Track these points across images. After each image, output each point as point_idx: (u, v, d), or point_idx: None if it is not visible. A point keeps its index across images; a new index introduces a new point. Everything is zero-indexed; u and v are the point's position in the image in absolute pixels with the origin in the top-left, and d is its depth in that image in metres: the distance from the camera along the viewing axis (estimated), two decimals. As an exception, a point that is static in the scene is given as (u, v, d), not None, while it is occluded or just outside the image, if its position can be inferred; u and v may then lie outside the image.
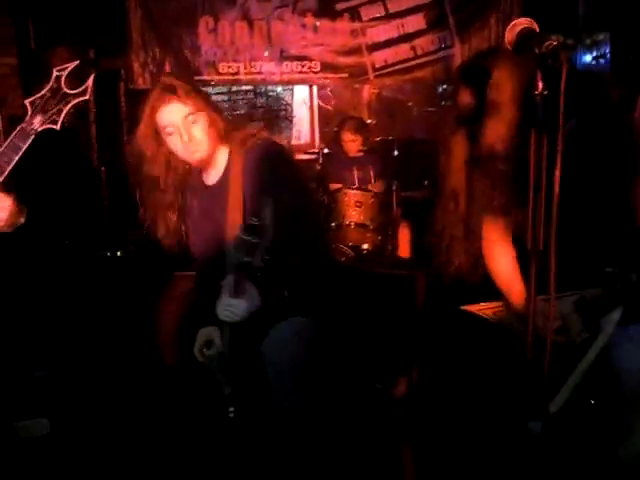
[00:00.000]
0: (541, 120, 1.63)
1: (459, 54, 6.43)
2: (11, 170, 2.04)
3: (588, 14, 5.75)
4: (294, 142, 7.18)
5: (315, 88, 7.00)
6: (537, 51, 1.60)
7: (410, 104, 7.01)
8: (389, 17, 6.39)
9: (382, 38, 6.42)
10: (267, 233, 2.03)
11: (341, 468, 2.76)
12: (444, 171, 2.43)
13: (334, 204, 5.30)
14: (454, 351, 2.74)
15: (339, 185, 5.47)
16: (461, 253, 2.44)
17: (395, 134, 6.09)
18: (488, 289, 2.46)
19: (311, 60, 6.35)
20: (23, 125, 2.00)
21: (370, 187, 5.47)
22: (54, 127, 2.01)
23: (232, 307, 2.24)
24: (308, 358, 2.43)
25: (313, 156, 6.07)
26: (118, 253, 4.96)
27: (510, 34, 1.74)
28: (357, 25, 6.35)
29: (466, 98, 2.24)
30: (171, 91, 2.35)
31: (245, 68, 6.31)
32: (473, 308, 2.48)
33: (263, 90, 7.15)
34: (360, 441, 3.04)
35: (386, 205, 5.53)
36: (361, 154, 5.73)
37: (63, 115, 2.01)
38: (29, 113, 2.00)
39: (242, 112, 7.18)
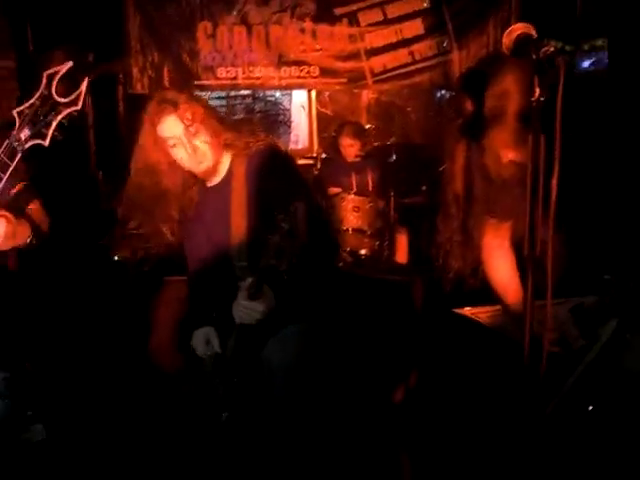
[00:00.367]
0: (539, 126, 1.62)
1: (457, 59, 6.43)
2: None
3: (586, 19, 5.76)
4: (292, 147, 7.18)
5: (313, 93, 6.99)
6: (534, 57, 1.59)
7: (408, 109, 7.02)
8: (387, 22, 6.39)
9: (381, 43, 6.42)
10: (297, 237, 2.02)
11: (337, 473, 2.75)
12: (448, 178, 2.42)
13: (332, 209, 5.30)
14: (448, 354, 2.74)
15: (337, 190, 5.47)
16: (461, 259, 2.44)
17: (393, 139, 6.09)
18: (485, 293, 2.46)
19: (310, 65, 6.34)
20: (10, 140, 1.82)
21: (367, 192, 5.47)
22: (42, 143, 1.80)
23: (249, 309, 2.23)
24: (307, 363, 2.42)
25: (311, 161, 6.07)
26: (115, 258, 4.95)
27: (507, 39, 1.74)
28: (356, 30, 6.36)
29: (468, 106, 2.24)
30: (171, 104, 2.34)
31: (243, 73, 6.30)
32: (467, 312, 2.48)
33: (261, 95, 7.16)
34: (358, 446, 3.03)
35: (384, 210, 5.53)
36: (359, 159, 5.73)
37: (52, 128, 1.79)
38: (17, 125, 1.81)
39: (240, 117, 7.18)
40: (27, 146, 1.81)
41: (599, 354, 1.94)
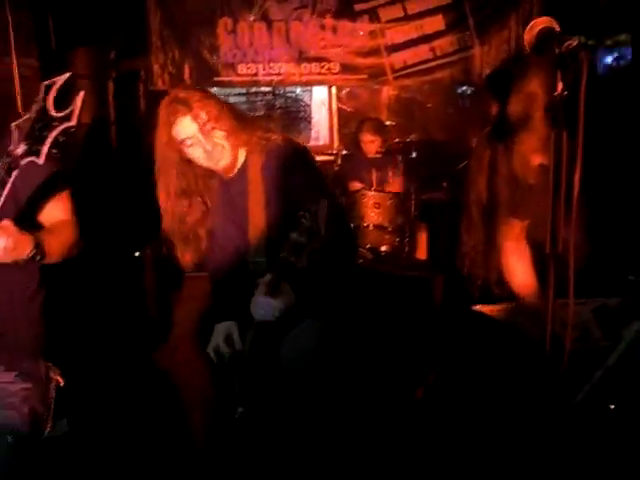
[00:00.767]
0: (561, 121, 1.61)
1: (479, 55, 6.38)
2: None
3: (609, 14, 5.70)
4: (312, 143, 7.17)
5: (334, 89, 6.98)
6: (557, 51, 1.58)
7: (429, 105, 6.98)
8: (408, 18, 6.35)
9: (401, 39, 6.37)
10: (318, 234, 2.01)
11: (353, 470, 2.75)
12: (472, 184, 2.40)
13: (352, 206, 5.29)
14: (467, 352, 2.72)
15: (358, 186, 5.46)
16: (486, 267, 2.42)
17: (414, 136, 6.07)
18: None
19: (330, 61, 6.32)
20: (6, 155, 1.71)
21: (388, 188, 5.46)
22: (37, 160, 1.68)
23: (268, 306, 2.22)
24: (324, 358, 2.42)
25: (331, 157, 6.06)
26: (136, 254, 4.98)
27: (529, 34, 1.72)
28: (376, 26, 6.32)
29: (494, 109, 2.22)
30: (183, 104, 2.33)
31: (264, 69, 6.30)
32: (485, 309, 2.46)
33: (282, 91, 7.15)
34: (377, 443, 3.03)
35: (404, 207, 5.52)
36: (380, 155, 5.72)
37: (47, 144, 1.66)
38: (14, 140, 1.69)
39: (261, 113, 7.18)
40: (22, 163, 1.70)
41: (622, 355, 1.92)
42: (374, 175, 5.55)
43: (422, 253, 5.61)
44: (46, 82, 1.69)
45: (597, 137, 1.96)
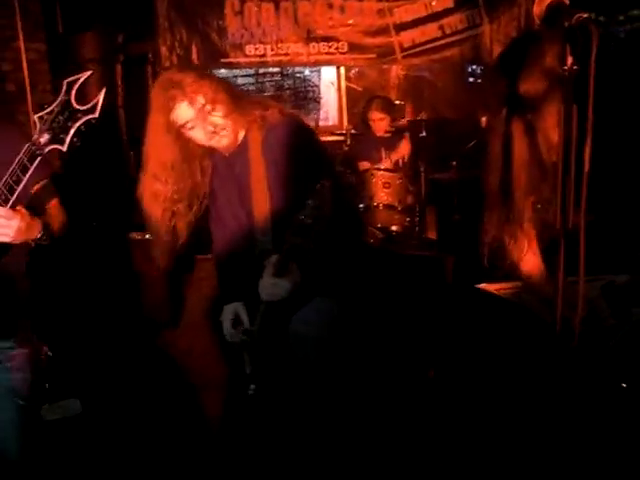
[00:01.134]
0: (571, 96, 1.59)
1: (488, 33, 6.34)
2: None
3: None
4: (322, 123, 7.15)
5: (342, 69, 6.94)
6: (566, 24, 1.55)
7: (439, 84, 6.94)
8: (417, -4, 6.31)
9: (410, 18, 6.34)
10: (323, 215, 2.01)
11: (364, 450, 2.76)
12: (491, 168, 2.37)
13: (362, 185, 5.28)
14: (472, 331, 2.72)
15: (367, 166, 5.44)
16: (509, 256, 2.39)
17: (423, 114, 6.03)
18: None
19: (338, 41, 6.29)
20: (31, 143, 1.87)
21: (398, 168, 5.44)
22: (61, 148, 1.85)
23: (276, 287, 2.23)
24: (333, 337, 2.42)
25: (341, 137, 6.04)
26: (147, 236, 4.98)
27: (538, 7, 1.70)
28: (384, 5, 6.28)
29: (507, 89, 2.19)
30: (178, 88, 2.29)
31: (272, 50, 6.27)
32: (491, 287, 2.45)
33: (290, 72, 7.12)
34: (387, 422, 3.04)
35: (414, 186, 5.50)
36: (389, 135, 5.69)
37: (71, 134, 1.84)
38: (37, 130, 1.86)
39: (269, 94, 7.16)
40: (46, 151, 1.87)
41: (631, 333, 1.91)
42: (383, 155, 5.53)
43: (432, 232, 5.60)
44: (68, 79, 1.84)
45: (608, 112, 1.94)
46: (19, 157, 1.86)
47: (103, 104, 1.84)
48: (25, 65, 5.50)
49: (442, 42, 6.38)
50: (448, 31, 6.37)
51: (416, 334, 3.84)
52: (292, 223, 2.03)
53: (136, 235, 4.11)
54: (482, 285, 2.44)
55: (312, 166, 2.31)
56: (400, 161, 5.60)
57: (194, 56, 6.26)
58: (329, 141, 6.34)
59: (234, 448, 2.59)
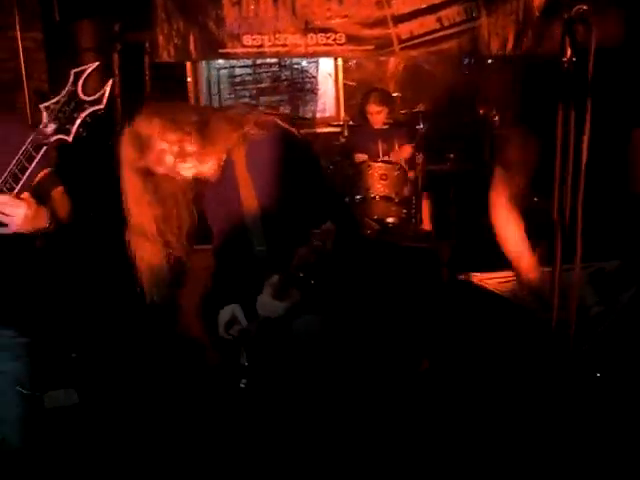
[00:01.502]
0: (570, 87, 1.60)
1: (486, 25, 6.32)
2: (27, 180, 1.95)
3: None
4: (319, 115, 7.14)
5: (340, 60, 6.93)
6: (566, 15, 1.56)
7: (436, 76, 6.93)
8: (415, -12, 6.29)
9: (408, 9, 6.30)
10: (326, 255, 2.00)
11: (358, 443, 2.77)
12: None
13: (359, 177, 5.28)
14: (465, 325, 2.73)
15: (364, 158, 5.44)
16: None
17: (421, 107, 6.03)
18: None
19: (336, 32, 6.27)
20: (37, 133, 1.87)
21: (394, 160, 5.45)
22: (66, 139, 1.86)
23: (274, 306, 2.23)
24: (329, 330, 2.43)
25: (338, 129, 6.04)
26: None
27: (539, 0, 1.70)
28: (383, -4, 6.27)
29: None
30: (146, 142, 2.23)
31: (269, 41, 6.26)
32: (485, 277, 2.46)
33: (288, 63, 7.11)
34: (381, 415, 3.05)
35: (411, 178, 5.51)
36: (386, 127, 5.69)
37: (77, 125, 1.84)
38: (43, 120, 1.86)
39: (266, 85, 7.15)
40: (52, 140, 1.87)
41: (617, 320, 1.93)
42: (380, 146, 5.53)
43: (428, 224, 5.61)
44: (76, 69, 1.85)
45: (606, 105, 1.94)
46: (24, 146, 1.87)
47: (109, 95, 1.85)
48: (21, 54, 5.47)
49: (440, 34, 6.36)
50: (446, 23, 6.35)
51: (411, 325, 3.85)
52: (295, 255, 2.02)
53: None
54: (476, 275, 2.46)
55: (303, 176, 2.30)
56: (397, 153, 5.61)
57: (191, 46, 6.25)
58: (326, 132, 6.34)
59: (226, 442, 2.60)
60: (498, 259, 2.43)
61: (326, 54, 6.64)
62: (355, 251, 2.46)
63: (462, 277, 2.56)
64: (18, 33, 5.42)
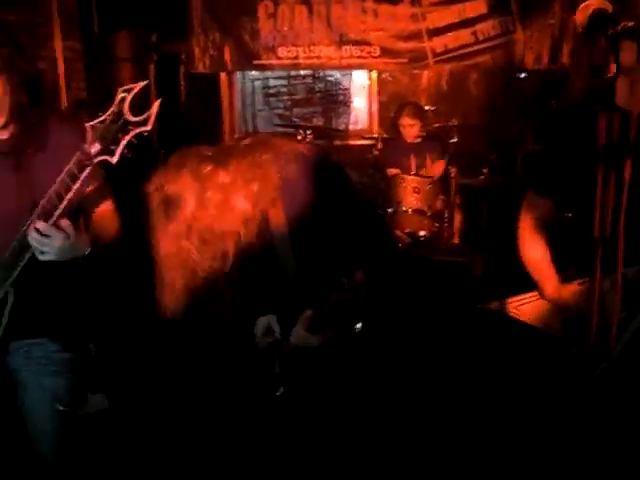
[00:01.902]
0: (613, 103, 1.59)
1: (522, 40, 6.31)
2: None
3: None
4: (352, 127, 7.16)
5: (374, 73, 6.95)
6: (610, 32, 1.55)
7: (470, 90, 6.92)
8: (450, 2, 6.29)
9: (443, 23, 6.33)
10: (359, 307, 2.00)
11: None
12: None
13: (391, 190, 5.28)
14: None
15: (397, 171, 5.44)
16: None
17: (454, 120, 6.02)
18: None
19: (370, 45, 6.31)
20: (81, 153, 1.79)
21: (428, 173, 5.44)
22: (110, 160, 1.76)
23: (307, 339, 2.23)
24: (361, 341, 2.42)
25: (371, 142, 6.04)
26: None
27: (581, 15, 1.70)
28: (417, 10, 6.27)
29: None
30: (178, 204, 2.05)
31: (304, 53, 6.31)
32: (511, 305, 2.44)
33: (322, 75, 7.14)
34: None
35: (443, 192, 5.50)
36: (419, 140, 5.69)
37: (122, 146, 1.74)
38: (88, 139, 1.77)
39: (300, 97, 7.19)
40: (95, 161, 1.78)
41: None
42: (413, 160, 5.52)
43: (461, 238, 5.59)
44: (123, 88, 1.75)
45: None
46: (69, 166, 1.81)
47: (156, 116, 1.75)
48: (61, 64, 5.57)
49: (474, 48, 6.36)
50: (481, 37, 6.35)
51: (442, 338, 3.83)
52: (328, 300, 2.01)
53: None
54: (509, 301, 2.45)
55: (334, 202, 2.23)
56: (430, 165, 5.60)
57: (226, 57, 6.32)
58: (358, 145, 6.35)
59: (257, 451, 2.60)
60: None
61: (360, 67, 6.68)
62: (391, 268, 2.42)
63: (495, 304, 2.55)
64: (58, 43, 5.51)
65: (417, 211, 5.21)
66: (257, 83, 7.19)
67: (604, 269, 1.80)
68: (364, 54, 6.33)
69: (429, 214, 5.24)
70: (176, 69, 6.45)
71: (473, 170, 5.83)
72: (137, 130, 1.73)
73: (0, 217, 2.06)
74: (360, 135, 6.53)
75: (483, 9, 6.31)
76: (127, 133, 1.73)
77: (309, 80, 7.16)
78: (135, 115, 1.73)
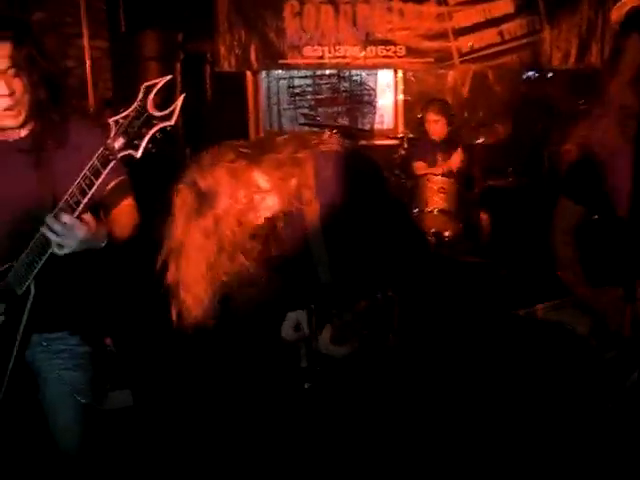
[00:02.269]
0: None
1: (548, 39, 6.26)
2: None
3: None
4: (377, 127, 7.14)
5: (400, 73, 6.93)
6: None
7: (496, 90, 6.88)
8: (476, 1, 6.26)
9: (469, 22, 6.30)
10: (391, 327, 1.99)
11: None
12: None
13: (417, 190, 5.26)
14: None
15: (423, 171, 5.42)
16: None
17: (480, 121, 5.99)
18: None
19: (396, 44, 6.29)
20: (104, 148, 1.79)
21: (453, 173, 5.41)
22: (134, 154, 1.76)
23: (334, 349, 2.22)
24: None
25: (397, 141, 6.02)
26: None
27: (617, 13, 1.69)
28: (444, 9, 6.25)
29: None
30: (210, 199, 2.03)
31: (330, 52, 6.30)
32: (540, 312, 2.43)
33: (347, 74, 7.14)
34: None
35: (469, 192, 5.47)
36: (445, 140, 5.66)
37: (145, 140, 1.74)
38: (111, 134, 1.77)
39: (325, 96, 7.19)
40: (119, 156, 1.79)
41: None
42: (439, 160, 5.50)
43: (486, 239, 5.56)
44: (147, 83, 1.74)
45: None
46: (92, 161, 1.82)
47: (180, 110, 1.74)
48: (88, 62, 5.61)
49: (501, 48, 6.33)
50: (507, 37, 6.32)
51: (467, 337, 3.82)
52: (356, 310, 2.00)
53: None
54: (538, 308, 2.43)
55: (371, 200, 2.17)
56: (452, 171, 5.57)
57: (252, 56, 6.33)
58: (384, 145, 6.33)
59: (288, 446, 2.60)
60: (555, 275, 2.40)
61: (386, 66, 6.67)
62: (426, 269, 2.38)
63: (524, 312, 2.54)
64: (86, 41, 5.55)
65: (442, 211, 5.19)
66: (282, 82, 7.20)
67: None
68: (390, 54, 6.31)
69: (454, 214, 5.22)
70: (202, 68, 6.46)
71: (498, 171, 5.80)
72: (161, 125, 1.73)
73: (21, 213, 2.09)
74: (385, 135, 6.51)
75: (510, 8, 6.27)
76: (151, 128, 1.74)
77: (334, 79, 7.16)
78: (158, 110, 1.73)
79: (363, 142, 6.31)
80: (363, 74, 7.13)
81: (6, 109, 2.00)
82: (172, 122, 1.74)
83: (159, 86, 1.74)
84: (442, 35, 6.29)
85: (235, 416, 3.23)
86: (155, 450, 3.15)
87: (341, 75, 7.15)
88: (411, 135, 5.90)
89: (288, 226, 2.23)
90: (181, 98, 1.75)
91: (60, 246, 1.93)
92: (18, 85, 1.98)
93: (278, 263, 2.29)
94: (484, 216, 5.65)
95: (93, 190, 1.85)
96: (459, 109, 6.37)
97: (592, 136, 2.07)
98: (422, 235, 3.86)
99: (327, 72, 7.07)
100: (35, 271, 2.01)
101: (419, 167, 5.50)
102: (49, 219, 1.90)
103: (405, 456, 2.61)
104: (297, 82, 7.17)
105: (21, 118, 2.04)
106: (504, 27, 6.30)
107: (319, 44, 6.29)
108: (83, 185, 1.85)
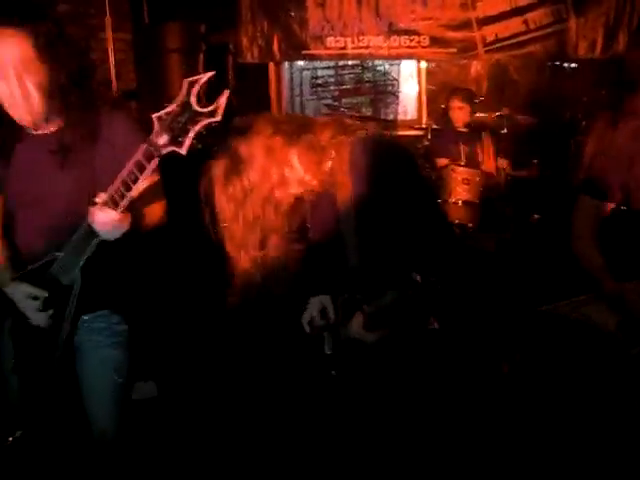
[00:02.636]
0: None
1: (574, 28, 6.16)
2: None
3: None
4: (400, 117, 7.10)
5: (423, 63, 6.88)
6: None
7: (521, 80, 6.80)
8: (501, -11, 6.19)
9: (493, 12, 6.22)
10: (416, 304, 1.98)
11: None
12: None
13: (441, 181, 5.22)
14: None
15: (447, 162, 5.38)
16: None
17: (505, 110, 5.92)
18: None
19: (420, 34, 6.23)
20: (148, 143, 1.77)
21: (477, 164, 5.37)
22: (179, 151, 1.73)
23: (364, 336, 2.20)
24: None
25: (420, 132, 5.98)
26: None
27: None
28: (468, -2, 6.19)
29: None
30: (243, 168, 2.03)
31: (353, 42, 6.26)
32: (563, 309, 2.40)
33: (370, 65, 7.09)
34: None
35: (493, 183, 5.42)
36: (469, 130, 5.61)
37: (190, 137, 1.71)
38: (155, 130, 1.75)
39: (348, 87, 7.16)
40: (164, 152, 1.77)
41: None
42: (463, 150, 5.46)
43: (511, 230, 5.51)
44: (190, 79, 1.71)
45: None
46: (135, 157, 1.80)
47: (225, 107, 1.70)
48: (112, 55, 5.62)
49: (526, 37, 6.25)
50: (532, 26, 6.23)
51: (490, 329, 3.80)
52: (384, 297, 1.99)
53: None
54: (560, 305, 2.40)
55: (406, 188, 2.17)
56: (480, 157, 5.52)
57: (275, 47, 6.32)
58: (407, 135, 6.29)
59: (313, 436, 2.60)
60: (579, 267, 2.38)
61: (409, 56, 6.61)
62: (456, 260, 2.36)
63: (546, 308, 2.51)
64: (109, 34, 5.57)
65: (466, 202, 5.15)
66: (305, 73, 7.18)
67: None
68: (413, 44, 6.26)
69: (478, 205, 5.18)
70: (224, 59, 6.46)
71: (523, 161, 5.74)
72: (207, 121, 1.70)
73: (57, 207, 2.11)
74: (409, 125, 6.46)
75: (535, -3, 6.20)
76: (196, 124, 1.70)
77: (357, 70, 7.13)
78: (203, 106, 1.69)
79: (386, 133, 6.27)
80: (386, 64, 7.09)
81: (29, 102, 1.98)
82: (218, 118, 1.70)
83: (202, 81, 1.70)
84: (466, 24, 6.22)
85: (258, 405, 3.24)
86: (178, 440, 3.17)
87: (364, 65, 7.11)
88: (435, 126, 5.84)
89: (318, 207, 2.24)
90: (225, 94, 1.72)
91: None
92: (41, 76, 1.96)
93: (306, 243, 2.31)
94: (508, 208, 5.61)
95: (138, 184, 1.85)
96: (483, 98, 6.27)
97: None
98: (450, 225, 3.84)
99: (350, 62, 7.03)
100: (81, 262, 2.04)
101: (441, 162, 5.46)
102: (91, 214, 1.93)
103: (435, 445, 2.60)
104: (320, 73, 7.15)
105: (43, 114, 2.03)
106: (529, 16, 6.22)
107: (342, 34, 6.26)
108: (128, 180, 1.85)
